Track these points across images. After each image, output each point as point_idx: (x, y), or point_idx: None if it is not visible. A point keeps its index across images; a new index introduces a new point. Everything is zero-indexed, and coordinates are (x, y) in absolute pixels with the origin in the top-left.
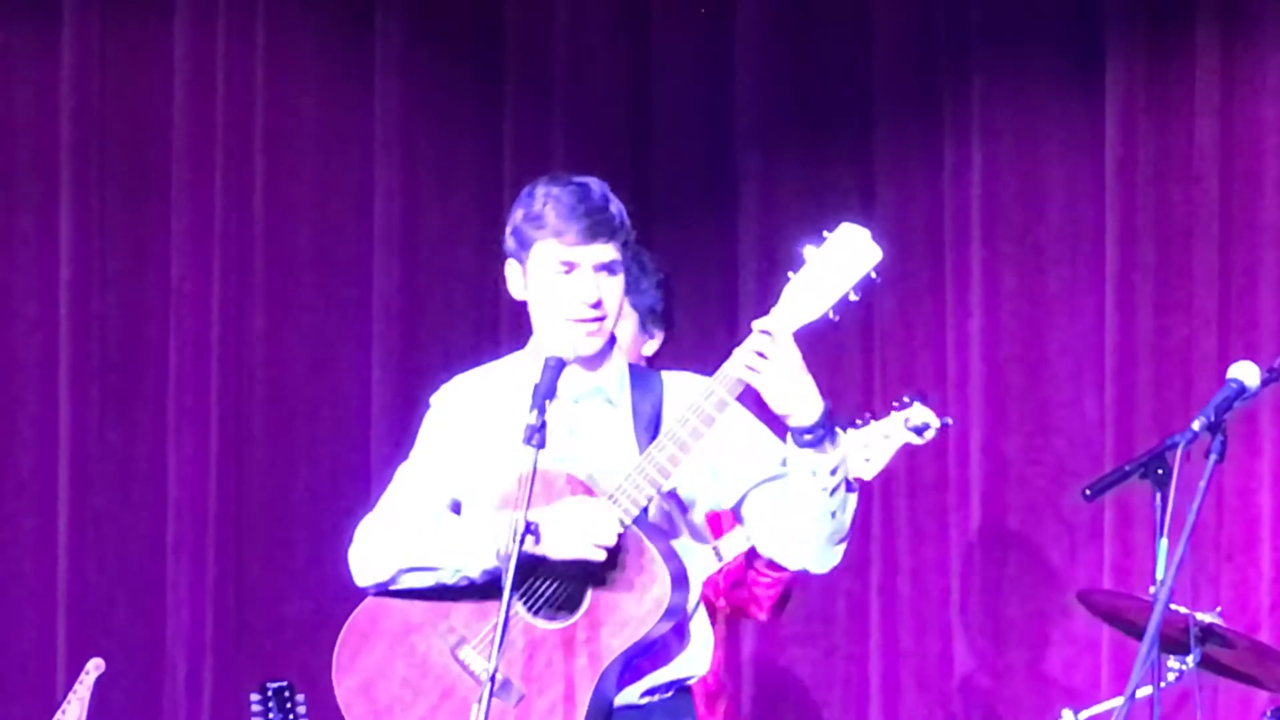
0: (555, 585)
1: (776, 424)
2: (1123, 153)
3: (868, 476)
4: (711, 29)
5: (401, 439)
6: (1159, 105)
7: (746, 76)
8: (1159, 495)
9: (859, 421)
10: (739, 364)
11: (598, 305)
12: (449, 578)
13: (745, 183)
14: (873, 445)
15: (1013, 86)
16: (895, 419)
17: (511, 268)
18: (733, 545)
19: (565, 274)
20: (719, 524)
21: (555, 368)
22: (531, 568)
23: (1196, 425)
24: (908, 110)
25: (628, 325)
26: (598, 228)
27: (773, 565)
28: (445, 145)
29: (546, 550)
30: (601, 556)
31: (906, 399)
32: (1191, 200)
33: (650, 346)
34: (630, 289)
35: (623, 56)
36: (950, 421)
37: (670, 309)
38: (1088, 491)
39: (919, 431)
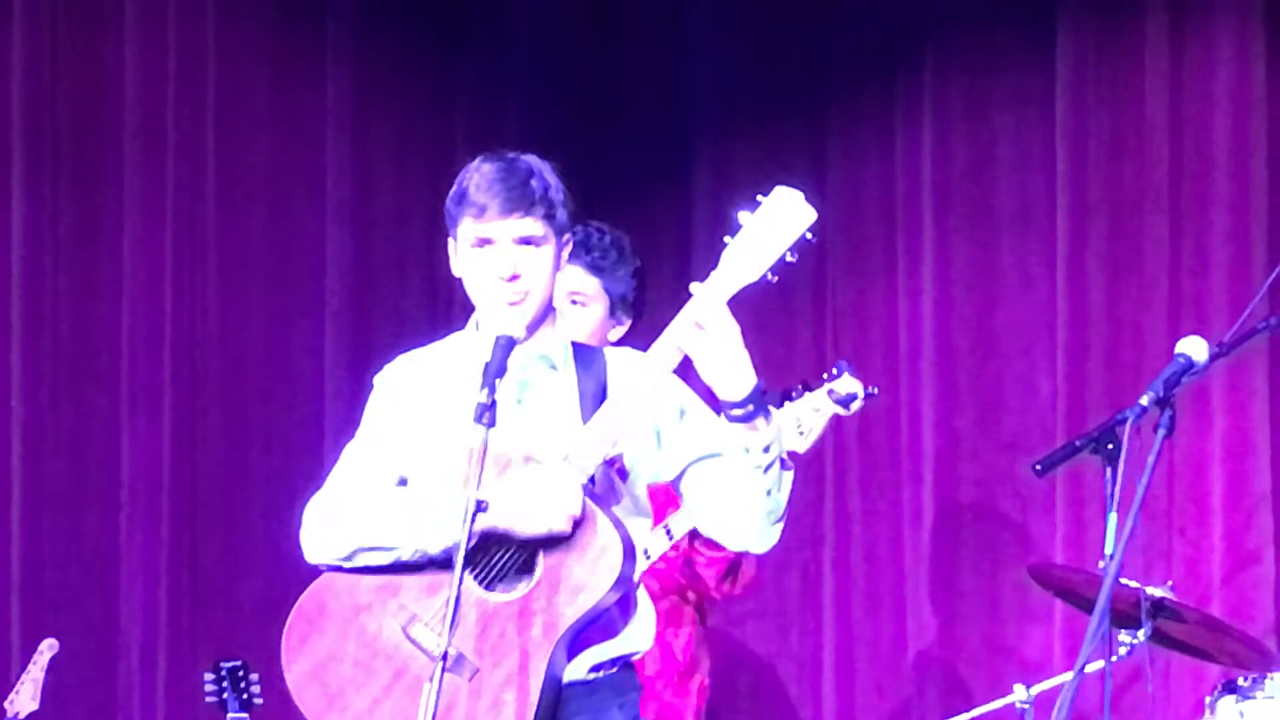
0: (507, 557)
1: (718, 404)
2: (1073, 128)
3: (801, 449)
4: (667, 8)
5: (355, 418)
6: (1110, 81)
7: (701, 55)
8: (1109, 470)
9: (793, 394)
10: (676, 331)
11: (514, 279)
12: (408, 555)
13: (699, 160)
14: (805, 418)
15: (965, 63)
16: (823, 391)
17: (450, 246)
18: (682, 523)
19: (481, 249)
20: (671, 501)
21: (505, 346)
22: (483, 541)
23: (1145, 400)
24: (861, 87)
25: (597, 309)
26: (513, 202)
27: (711, 544)
28: (398, 126)
29: (513, 528)
30: (569, 528)
31: (835, 370)
32: (1142, 176)
33: (616, 333)
34: (606, 274)
35: (577, 36)
36: (875, 391)
37: (641, 299)
38: (1038, 467)
39: (845, 403)
